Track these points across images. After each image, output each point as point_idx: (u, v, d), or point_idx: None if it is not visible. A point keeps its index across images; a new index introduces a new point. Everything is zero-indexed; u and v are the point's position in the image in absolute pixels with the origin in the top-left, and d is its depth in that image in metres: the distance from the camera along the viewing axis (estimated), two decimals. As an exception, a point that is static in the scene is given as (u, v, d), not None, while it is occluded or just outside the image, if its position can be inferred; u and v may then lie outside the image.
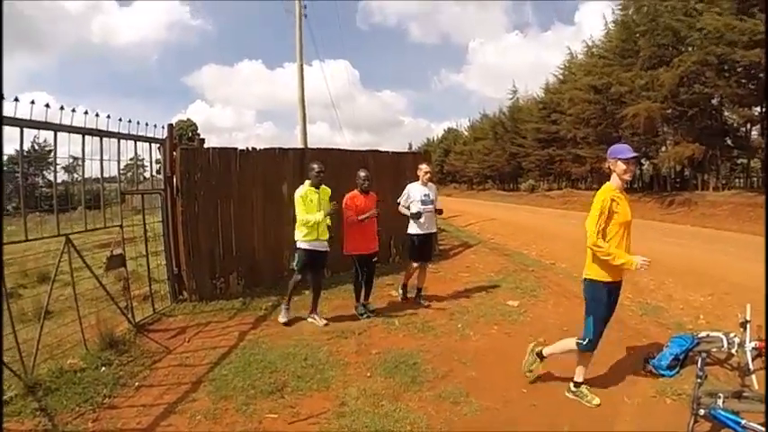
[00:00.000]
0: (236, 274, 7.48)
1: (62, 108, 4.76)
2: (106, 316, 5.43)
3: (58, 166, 5.86)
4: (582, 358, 3.97)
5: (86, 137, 5.19)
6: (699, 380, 3.27)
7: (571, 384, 4.02)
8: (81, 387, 4.26)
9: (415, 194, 6.57)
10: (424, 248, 6.73)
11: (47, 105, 4.52)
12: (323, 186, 6.05)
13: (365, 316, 6.25)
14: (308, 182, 5.98)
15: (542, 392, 4.12)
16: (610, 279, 3.72)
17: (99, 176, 5.52)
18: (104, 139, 5.50)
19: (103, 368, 4.69)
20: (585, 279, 3.85)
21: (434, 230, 6.92)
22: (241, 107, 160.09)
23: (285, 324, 6.01)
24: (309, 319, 6.16)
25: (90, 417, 3.84)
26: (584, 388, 3.97)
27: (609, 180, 3.79)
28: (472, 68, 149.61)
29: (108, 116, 5.49)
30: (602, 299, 3.76)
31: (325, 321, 6.05)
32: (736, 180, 24.72)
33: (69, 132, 4.96)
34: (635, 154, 3.77)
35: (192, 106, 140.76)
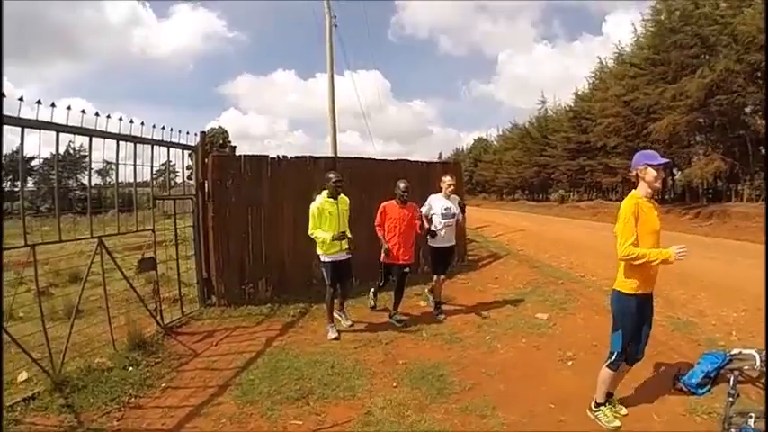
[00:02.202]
0: (264, 280, 7.49)
1: (97, 114, 4.86)
2: (135, 317, 5.51)
3: (92, 170, 5.99)
4: (603, 378, 3.81)
5: (120, 142, 5.30)
6: (730, 398, 3.17)
7: (591, 404, 3.88)
8: (108, 386, 4.34)
9: (436, 207, 6.49)
10: (443, 260, 6.65)
11: (82, 111, 4.66)
12: (341, 196, 5.99)
13: (400, 323, 6.29)
14: (325, 192, 5.91)
15: (570, 408, 4.01)
16: (638, 291, 3.56)
17: (132, 181, 5.63)
18: (138, 144, 5.60)
19: (131, 368, 4.76)
20: (614, 290, 3.70)
21: (453, 243, 6.75)
22: (274, 116, 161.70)
23: (335, 339, 5.84)
24: (335, 315, 6.20)
25: (115, 415, 3.90)
26: (604, 408, 3.82)
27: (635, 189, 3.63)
28: (501, 79, 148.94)
29: (142, 123, 5.60)
30: (630, 312, 3.60)
31: (350, 322, 6.13)
32: (771, 190, 23.93)
33: (104, 138, 5.07)
34: (666, 160, 3.59)
35: (225, 114, 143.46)
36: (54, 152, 4.73)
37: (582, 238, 16.23)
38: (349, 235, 5.94)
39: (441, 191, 6.60)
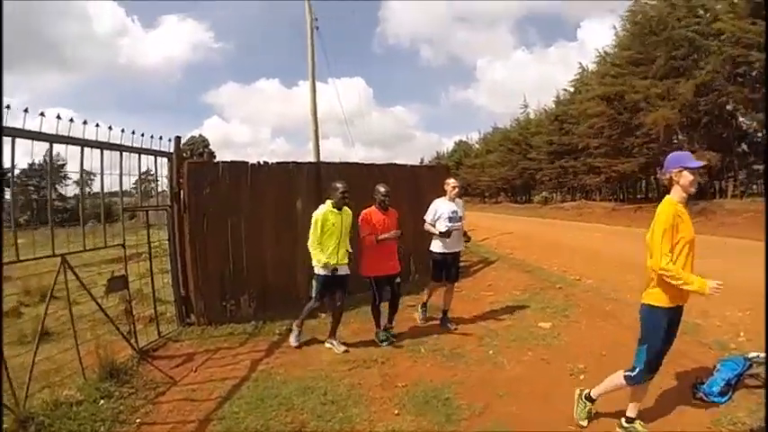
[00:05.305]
0: (247, 295, 7.07)
1: (59, 117, 4.46)
2: (107, 340, 5.06)
3: (69, 180, 5.62)
4: (635, 391, 3.58)
5: (86, 149, 4.89)
6: None
7: (623, 420, 3.61)
8: (77, 423, 3.90)
9: (442, 211, 6.19)
10: (450, 268, 6.35)
11: (58, 117, 4.38)
12: (345, 208, 5.65)
13: (386, 343, 5.83)
14: (329, 202, 5.56)
15: (591, 429, 3.72)
16: (671, 304, 3.32)
17: (109, 191, 5.24)
18: (108, 152, 5.18)
19: (102, 401, 4.31)
20: (644, 304, 3.44)
21: (460, 249, 6.54)
22: (257, 124, 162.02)
23: (296, 347, 5.70)
24: (327, 344, 5.77)
25: (85, 459, 3.44)
26: (637, 423, 3.56)
27: (669, 193, 3.42)
28: (480, 85, 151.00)
29: (109, 127, 5.22)
30: (661, 327, 3.35)
31: (344, 348, 5.64)
32: (754, 186, 24.31)
33: (66, 144, 4.66)
34: (703, 162, 3.39)
35: (207, 121, 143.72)
36: (29, 162, 4.34)
37: (569, 239, 16.21)
38: (350, 249, 5.72)
39: (444, 194, 6.38)
